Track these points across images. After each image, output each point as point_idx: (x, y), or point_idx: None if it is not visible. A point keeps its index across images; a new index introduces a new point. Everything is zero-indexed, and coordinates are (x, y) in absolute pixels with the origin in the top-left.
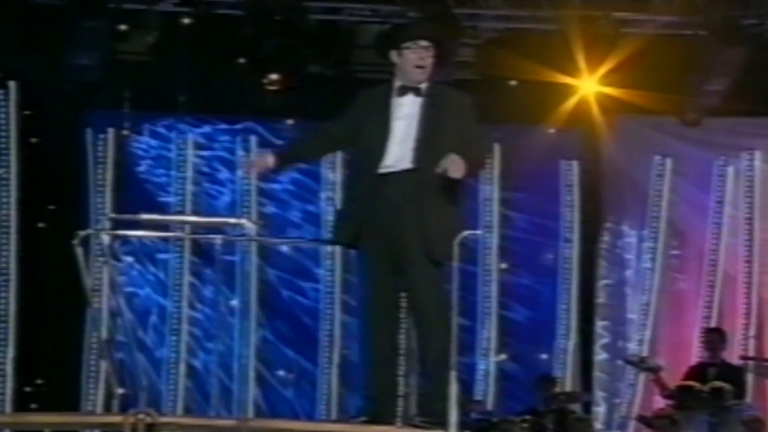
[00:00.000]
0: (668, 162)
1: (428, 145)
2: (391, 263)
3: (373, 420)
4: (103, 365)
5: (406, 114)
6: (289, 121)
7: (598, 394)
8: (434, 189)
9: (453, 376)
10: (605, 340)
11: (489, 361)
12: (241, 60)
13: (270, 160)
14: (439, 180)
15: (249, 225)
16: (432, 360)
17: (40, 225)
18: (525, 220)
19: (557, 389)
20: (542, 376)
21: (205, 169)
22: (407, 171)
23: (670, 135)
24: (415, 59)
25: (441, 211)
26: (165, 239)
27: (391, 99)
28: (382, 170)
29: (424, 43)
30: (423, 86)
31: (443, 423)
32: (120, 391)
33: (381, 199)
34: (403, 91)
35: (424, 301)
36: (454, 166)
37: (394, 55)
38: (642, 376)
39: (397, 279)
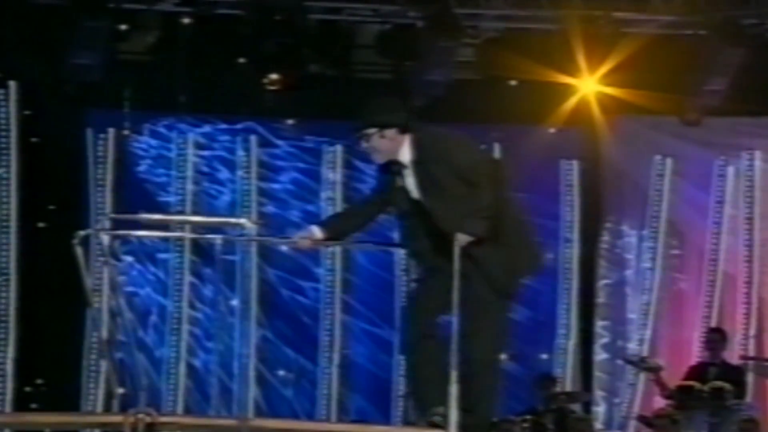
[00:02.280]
0: (668, 162)
1: (436, 201)
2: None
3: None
4: (103, 365)
5: (410, 183)
6: (289, 121)
7: (598, 394)
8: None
9: (453, 376)
10: (605, 340)
11: None
12: (241, 60)
13: (317, 234)
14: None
15: (249, 225)
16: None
17: (40, 225)
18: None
19: (557, 389)
20: (542, 376)
21: (205, 169)
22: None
23: (671, 135)
24: (366, 148)
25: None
26: (165, 239)
27: (396, 177)
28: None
29: (361, 132)
30: (404, 158)
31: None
32: (120, 390)
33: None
34: (397, 169)
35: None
36: (461, 239)
37: None
38: (642, 376)
39: None
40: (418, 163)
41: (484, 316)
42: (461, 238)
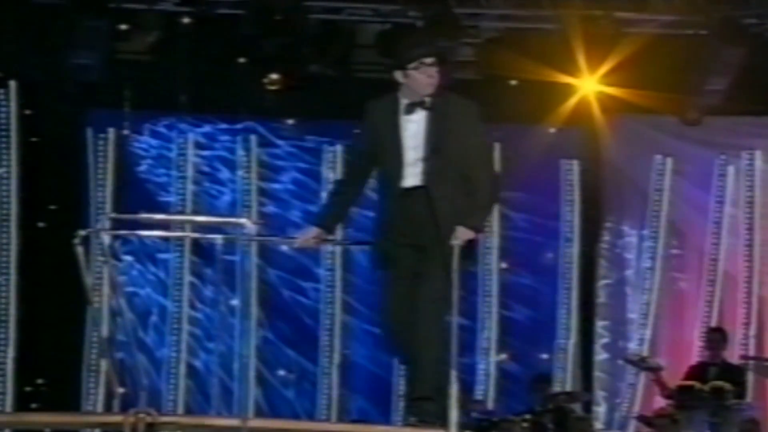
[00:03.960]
0: (669, 161)
1: (435, 162)
2: (412, 273)
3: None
4: (104, 365)
5: (415, 132)
6: (290, 121)
7: (599, 394)
8: (445, 204)
9: (453, 375)
10: (605, 340)
11: (489, 361)
12: (241, 60)
13: (316, 232)
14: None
15: (249, 224)
16: (430, 356)
17: (41, 225)
18: (525, 219)
19: (556, 389)
20: (537, 377)
21: (206, 169)
22: (421, 187)
23: (671, 134)
24: (422, 78)
25: (455, 224)
26: (165, 239)
27: (399, 118)
28: (402, 188)
29: (428, 60)
30: (428, 99)
31: (439, 422)
32: (120, 390)
33: (404, 215)
34: (411, 108)
35: (431, 304)
36: (462, 235)
37: (399, 76)
38: (642, 376)
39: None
40: (436, 118)
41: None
42: (462, 233)
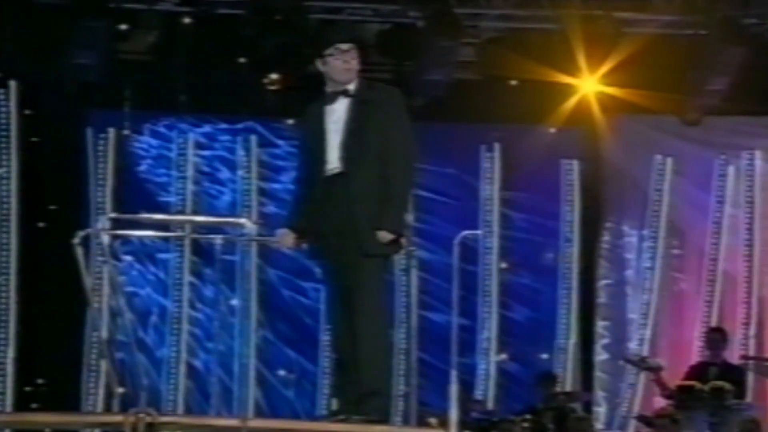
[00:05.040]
0: (669, 161)
1: (353, 147)
2: (341, 262)
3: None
4: (104, 365)
5: (336, 118)
6: (290, 121)
7: (599, 394)
8: (362, 189)
9: (454, 375)
10: (606, 340)
11: (489, 361)
12: (241, 60)
13: (286, 233)
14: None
15: (249, 225)
16: (367, 350)
17: (41, 225)
18: (525, 219)
19: (558, 388)
20: (543, 374)
21: (206, 169)
22: (340, 174)
23: (671, 134)
24: (339, 64)
25: (372, 209)
26: (165, 239)
27: (324, 108)
28: (327, 174)
29: (344, 46)
30: (351, 87)
31: (384, 419)
32: (120, 390)
33: (326, 200)
34: (334, 97)
35: (357, 294)
36: (382, 239)
37: (319, 64)
38: (642, 376)
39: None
40: (357, 105)
41: (358, 276)
42: (381, 236)
